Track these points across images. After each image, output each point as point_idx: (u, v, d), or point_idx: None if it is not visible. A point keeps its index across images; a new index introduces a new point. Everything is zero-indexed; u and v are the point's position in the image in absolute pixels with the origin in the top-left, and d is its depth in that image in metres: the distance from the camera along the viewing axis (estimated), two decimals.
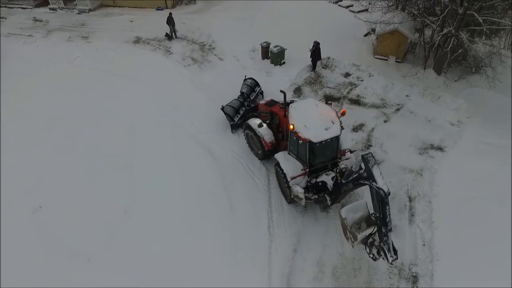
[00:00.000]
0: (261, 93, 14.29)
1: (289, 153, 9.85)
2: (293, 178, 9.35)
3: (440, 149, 11.71)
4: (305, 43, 16.44)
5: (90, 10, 22.94)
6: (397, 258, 7.36)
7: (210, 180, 11.17)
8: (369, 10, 22.79)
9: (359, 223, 8.04)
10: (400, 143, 11.95)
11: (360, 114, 13.21)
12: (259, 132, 10.87)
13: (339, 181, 8.57)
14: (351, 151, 10.12)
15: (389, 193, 6.82)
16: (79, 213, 10.43)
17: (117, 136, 12.91)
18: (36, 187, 11.23)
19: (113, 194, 10.86)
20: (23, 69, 17.03)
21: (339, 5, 23.67)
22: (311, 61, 15.68)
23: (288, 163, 9.61)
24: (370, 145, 11.99)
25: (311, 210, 10.26)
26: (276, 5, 23.15)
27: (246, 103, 13.20)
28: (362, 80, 14.93)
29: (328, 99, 14.03)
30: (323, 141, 8.54)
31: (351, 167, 9.21)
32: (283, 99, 10.35)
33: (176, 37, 19.27)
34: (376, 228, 7.40)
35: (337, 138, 8.84)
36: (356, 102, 13.89)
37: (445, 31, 13.09)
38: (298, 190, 9.17)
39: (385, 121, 12.90)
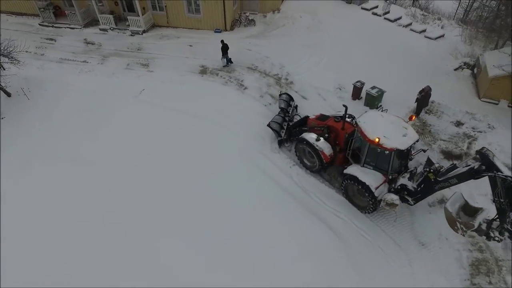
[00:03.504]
0: (296, 107, 14.67)
1: (363, 166, 10.06)
2: (376, 188, 9.69)
3: None
4: (392, 79, 14.85)
5: (144, 31, 21.31)
6: None
7: (342, 269, 9.40)
8: (444, 36, 21.11)
9: (458, 213, 8.75)
10: None
11: None
12: (317, 146, 11.20)
13: (433, 179, 8.97)
14: (424, 151, 10.69)
15: None
16: None
17: (200, 197, 11.23)
18: None
19: None
20: (86, 106, 15.35)
21: (411, 30, 21.85)
22: (417, 106, 13.83)
23: (366, 175, 9.90)
24: None
25: None
26: (340, 28, 21.44)
27: (287, 118, 13.51)
28: (480, 132, 13.06)
29: (448, 156, 12.27)
30: (408, 147, 9.15)
31: (454, 164, 9.07)
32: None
33: (232, 63, 17.73)
34: (497, 213, 8.07)
35: (416, 142, 9.36)
36: None
37: None
38: (393, 197, 9.61)
39: None
